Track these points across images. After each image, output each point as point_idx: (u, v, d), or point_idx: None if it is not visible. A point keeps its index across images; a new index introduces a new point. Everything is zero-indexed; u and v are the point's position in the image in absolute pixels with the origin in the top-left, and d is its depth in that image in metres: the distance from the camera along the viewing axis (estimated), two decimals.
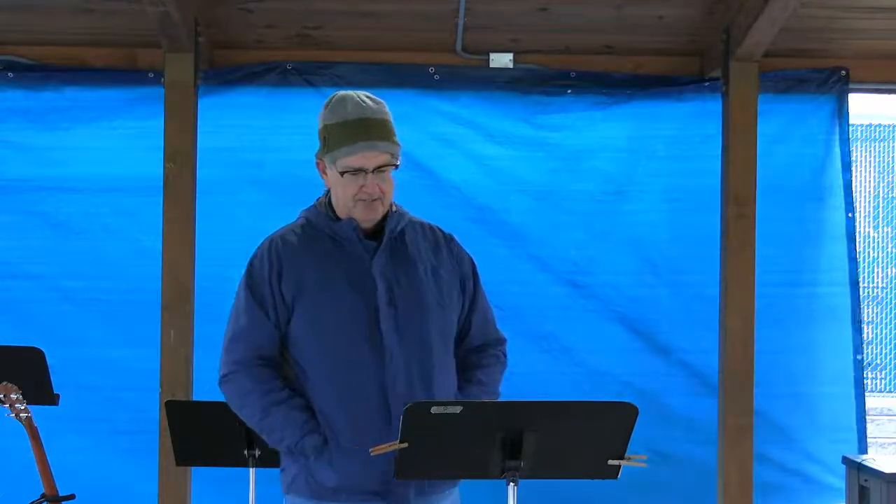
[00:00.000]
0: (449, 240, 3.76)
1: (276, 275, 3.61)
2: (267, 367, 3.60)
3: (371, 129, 3.55)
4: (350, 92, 3.63)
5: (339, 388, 3.55)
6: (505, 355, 3.83)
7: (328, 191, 3.68)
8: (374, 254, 3.61)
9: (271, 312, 3.60)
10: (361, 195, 3.57)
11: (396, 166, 3.61)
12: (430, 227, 3.76)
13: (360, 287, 3.57)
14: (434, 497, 3.62)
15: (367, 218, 3.60)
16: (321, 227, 3.65)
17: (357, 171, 3.55)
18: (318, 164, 3.64)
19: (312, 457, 3.55)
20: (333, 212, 3.65)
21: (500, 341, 3.82)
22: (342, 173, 3.56)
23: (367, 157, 3.54)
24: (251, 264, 3.68)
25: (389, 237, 3.63)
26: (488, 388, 3.72)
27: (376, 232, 3.64)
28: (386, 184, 3.59)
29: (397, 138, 3.60)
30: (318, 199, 3.71)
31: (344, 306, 3.56)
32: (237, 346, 3.62)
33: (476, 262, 3.78)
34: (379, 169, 3.56)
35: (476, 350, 3.76)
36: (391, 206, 3.67)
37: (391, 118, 3.62)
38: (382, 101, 3.63)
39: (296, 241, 3.65)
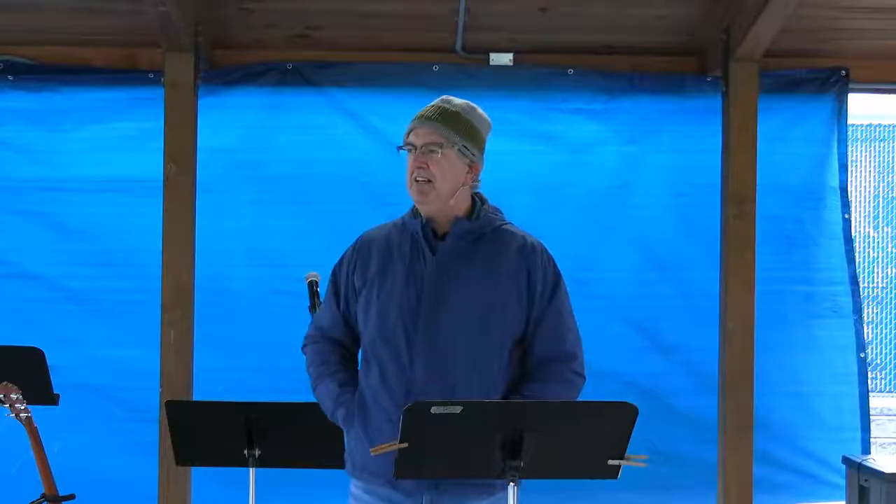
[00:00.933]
0: (528, 250, 3.75)
1: (354, 265, 3.78)
2: (329, 344, 3.82)
3: (432, 112, 3.71)
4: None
5: (373, 379, 3.68)
6: (575, 372, 3.72)
7: None
8: (435, 254, 3.69)
9: (341, 300, 3.80)
10: (413, 174, 3.68)
11: (445, 146, 3.65)
12: (516, 236, 3.77)
13: (413, 286, 3.67)
14: (456, 500, 3.64)
15: (418, 201, 3.72)
16: (408, 225, 3.78)
17: (410, 146, 3.69)
18: None
19: (343, 428, 3.75)
20: (418, 209, 3.78)
21: (569, 357, 3.72)
22: (401, 150, 3.73)
23: (417, 134, 3.69)
24: (343, 255, 3.87)
25: (454, 239, 3.70)
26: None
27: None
28: (435, 165, 3.67)
29: (468, 138, 3.69)
30: None
31: (392, 303, 3.67)
32: (312, 324, 3.92)
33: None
34: (427, 147, 3.65)
35: (537, 364, 3.71)
36: (480, 209, 3.75)
37: (475, 123, 3.73)
38: (478, 107, 3.77)
39: (380, 235, 3.80)
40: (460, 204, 3.75)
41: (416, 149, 3.68)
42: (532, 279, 3.71)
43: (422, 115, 3.73)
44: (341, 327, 3.82)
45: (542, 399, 3.61)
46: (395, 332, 3.65)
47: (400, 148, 3.75)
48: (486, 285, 3.67)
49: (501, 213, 3.85)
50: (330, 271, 3.89)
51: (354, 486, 3.77)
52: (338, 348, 3.83)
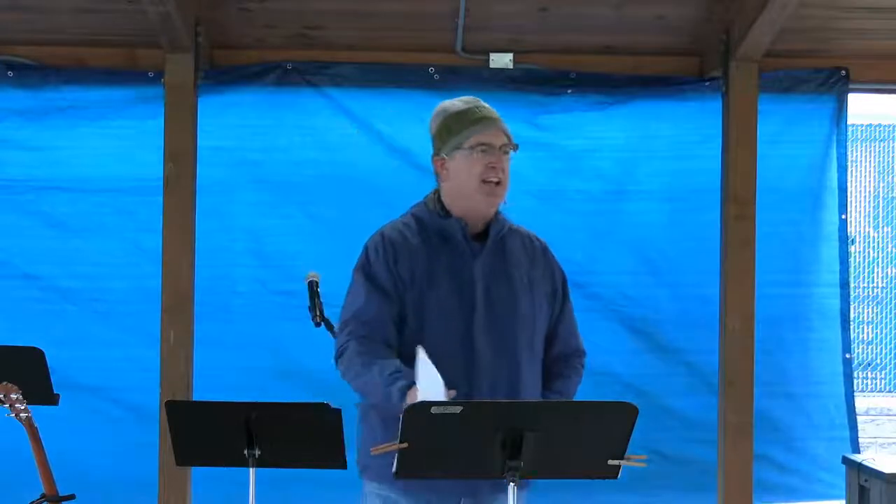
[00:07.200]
0: (544, 250, 3.93)
1: (393, 260, 3.73)
2: (373, 342, 3.69)
3: (490, 113, 3.80)
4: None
5: None
6: (583, 366, 3.97)
7: (437, 188, 3.84)
8: (478, 255, 3.75)
9: (391, 291, 3.71)
10: (488, 174, 3.72)
11: (514, 149, 3.80)
12: (529, 236, 3.92)
13: (461, 286, 3.72)
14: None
15: (489, 203, 3.76)
16: (429, 222, 3.78)
17: (487, 146, 3.71)
18: (435, 163, 3.81)
19: (398, 401, 3.56)
20: (444, 209, 3.77)
21: (581, 353, 3.96)
22: (472, 149, 3.71)
23: (493, 135, 3.75)
24: (366, 251, 3.80)
25: (493, 240, 3.78)
26: (565, 398, 3.86)
27: (480, 234, 3.79)
28: (505, 167, 3.77)
29: None
30: (426, 196, 3.85)
31: (445, 303, 3.71)
32: (350, 325, 3.73)
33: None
34: (504, 148, 3.75)
35: (558, 360, 3.90)
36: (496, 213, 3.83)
37: None
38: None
39: (407, 233, 3.78)
40: None
41: (493, 149, 3.72)
42: (552, 279, 3.89)
43: (487, 116, 3.78)
44: (388, 326, 3.72)
45: (570, 394, 3.86)
46: (452, 338, 3.68)
47: (474, 147, 3.73)
48: (529, 285, 3.81)
49: None
50: (352, 269, 3.81)
51: (385, 493, 3.77)
52: (382, 345, 3.70)
